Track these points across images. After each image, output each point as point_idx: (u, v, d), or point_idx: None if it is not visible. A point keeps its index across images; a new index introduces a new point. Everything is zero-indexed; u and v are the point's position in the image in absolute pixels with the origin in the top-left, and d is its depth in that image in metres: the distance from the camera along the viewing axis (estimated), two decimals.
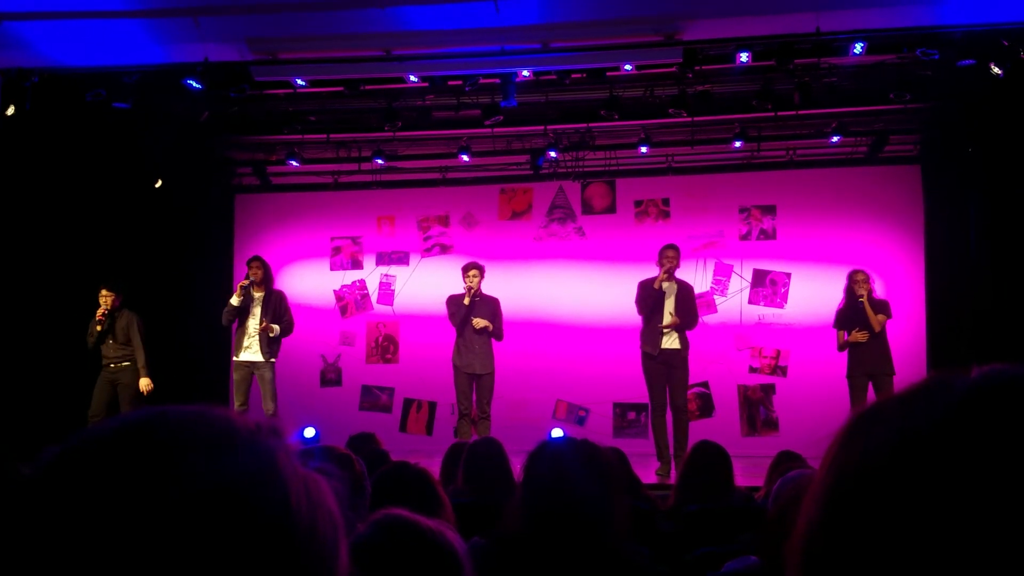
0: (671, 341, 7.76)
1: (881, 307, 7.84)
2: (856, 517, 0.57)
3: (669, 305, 7.77)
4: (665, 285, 7.78)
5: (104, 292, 8.08)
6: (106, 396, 8.10)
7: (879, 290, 8.42)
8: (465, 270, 8.19)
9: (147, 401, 8.05)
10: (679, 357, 7.75)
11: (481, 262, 8.41)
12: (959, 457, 0.54)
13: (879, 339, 7.74)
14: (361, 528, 1.59)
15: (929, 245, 9.48)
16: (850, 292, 7.86)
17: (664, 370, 7.75)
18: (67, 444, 0.64)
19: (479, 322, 8.04)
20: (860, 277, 7.85)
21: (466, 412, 8.05)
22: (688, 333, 7.88)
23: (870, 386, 7.69)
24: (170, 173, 9.74)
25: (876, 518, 0.56)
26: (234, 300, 8.19)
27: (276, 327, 8.13)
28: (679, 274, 8.00)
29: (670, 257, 7.81)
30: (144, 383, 8.10)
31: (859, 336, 7.74)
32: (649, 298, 7.79)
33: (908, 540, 0.54)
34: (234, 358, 8.27)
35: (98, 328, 8.05)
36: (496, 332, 8.19)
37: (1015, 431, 0.54)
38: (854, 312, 7.80)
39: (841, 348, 7.93)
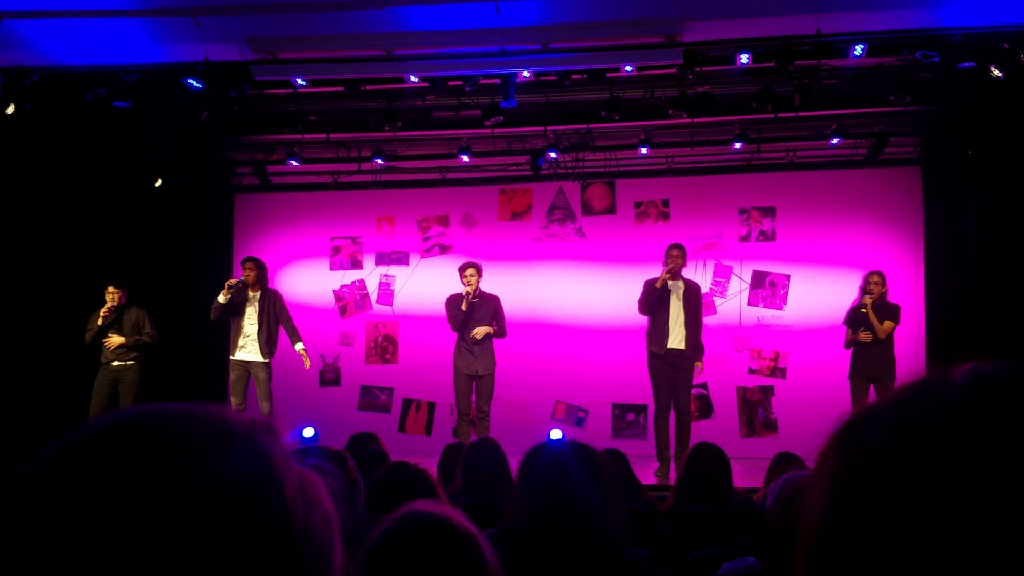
0: (677, 341, 7.74)
1: (890, 312, 7.80)
2: (859, 519, 0.56)
3: (676, 303, 7.76)
4: (670, 284, 7.77)
5: (111, 289, 8.07)
6: (107, 395, 8.08)
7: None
8: (462, 270, 8.12)
9: (146, 399, 8.04)
10: (684, 358, 7.74)
11: (479, 262, 8.38)
12: (962, 455, 0.54)
13: (883, 343, 7.73)
14: (385, 524, 1.60)
15: (929, 247, 9.47)
16: (863, 293, 7.86)
17: (670, 371, 7.74)
18: (60, 442, 0.63)
19: (479, 332, 8.01)
20: (873, 279, 7.84)
21: (465, 412, 8.03)
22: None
23: (872, 389, 7.68)
24: (170, 172, 9.74)
25: (879, 519, 0.55)
26: (220, 297, 8.13)
27: None
28: (684, 274, 7.99)
29: (674, 256, 7.78)
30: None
31: (864, 336, 7.75)
32: (652, 296, 7.78)
33: (912, 540, 0.53)
34: (231, 357, 8.26)
35: (99, 323, 8.03)
36: (498, 331, 8.17)
37: (1018, 430, 0.53)
38: (862, 313, 7.80)
39: (847, 346, 7.94)
